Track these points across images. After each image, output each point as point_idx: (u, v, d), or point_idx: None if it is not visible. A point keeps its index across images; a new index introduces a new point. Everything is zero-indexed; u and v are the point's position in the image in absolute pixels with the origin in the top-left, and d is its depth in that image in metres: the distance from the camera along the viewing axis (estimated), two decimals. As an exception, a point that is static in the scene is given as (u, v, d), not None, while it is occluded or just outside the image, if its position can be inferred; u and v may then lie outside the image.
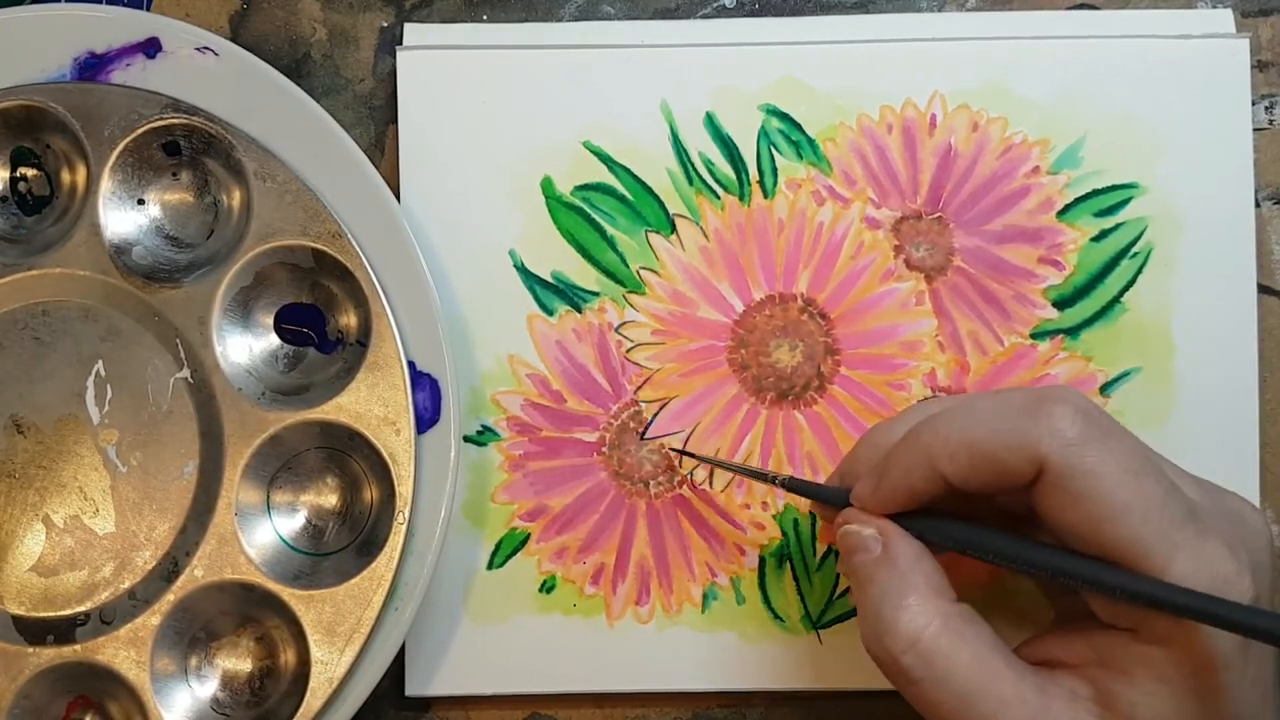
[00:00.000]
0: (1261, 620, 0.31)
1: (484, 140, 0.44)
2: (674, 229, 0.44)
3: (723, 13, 0.45)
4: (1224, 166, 0.43)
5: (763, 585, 0.43)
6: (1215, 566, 0.32)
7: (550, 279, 0.43)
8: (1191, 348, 0.43)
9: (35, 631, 0.40)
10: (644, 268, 0.44)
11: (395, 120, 0.44)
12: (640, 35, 0.44)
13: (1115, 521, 0.32)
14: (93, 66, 0.41)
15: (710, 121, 0.44)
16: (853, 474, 0.38)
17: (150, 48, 0.42)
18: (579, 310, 0.43)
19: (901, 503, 0.36)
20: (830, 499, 0.38)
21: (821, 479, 0.43)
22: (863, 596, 0.36)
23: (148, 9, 0.45)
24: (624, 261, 0.44)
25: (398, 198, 0.43)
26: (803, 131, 0.44)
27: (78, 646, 0.40)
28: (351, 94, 0.45)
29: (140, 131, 0.41)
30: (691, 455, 0.43)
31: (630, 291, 0.44)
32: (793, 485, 0.40)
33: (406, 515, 0.40)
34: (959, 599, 0.35)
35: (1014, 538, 0.35)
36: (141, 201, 0.42)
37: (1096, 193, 0.43)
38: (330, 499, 0.42)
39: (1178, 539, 0.32)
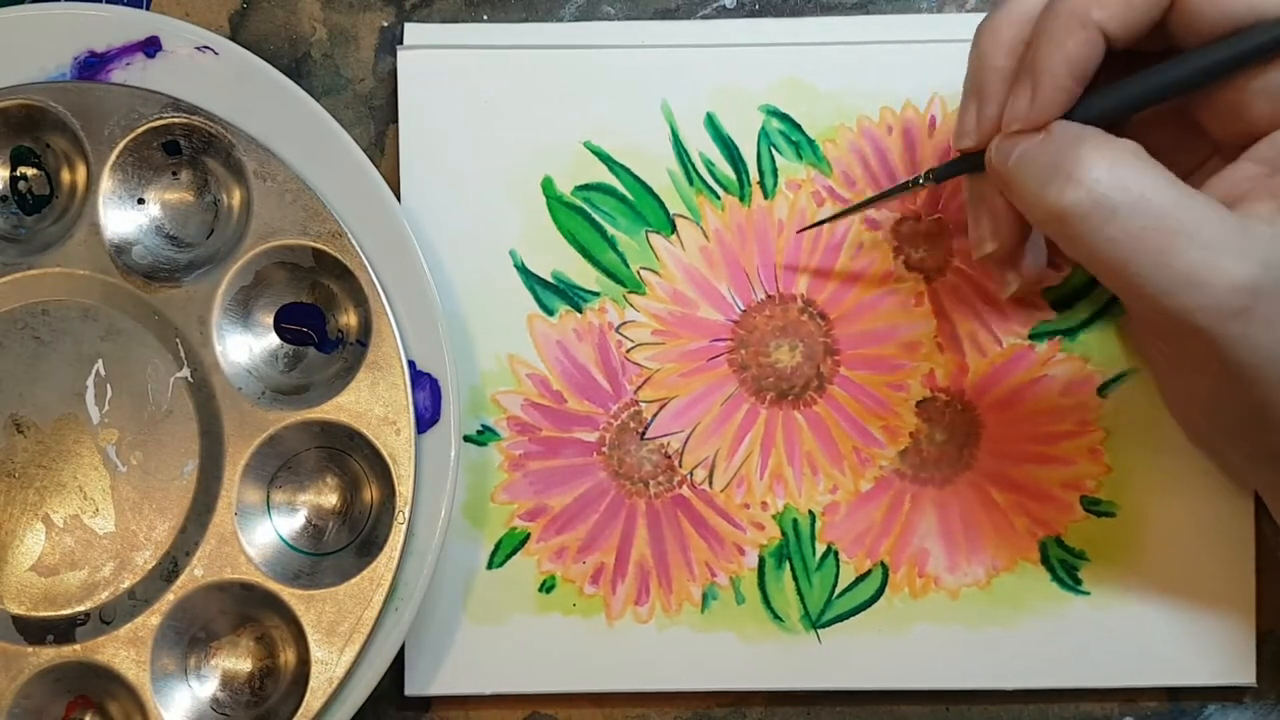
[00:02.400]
0: None
1: (484, 140, 0.44)
2: (674, 229, 0.44)
3: (723, 13, 0.45)
4: (1222, 168, 0.44)
5: (762, 585, 0.43)
6: None
7: (550, 279, 0.43)
8: (1189, 349, 0.43)
9: (35, 631, 0.40)
10: (644, 268, 0.44)
11: (395, 120, 0.44)
12: (641, 35, 0.44)
13: None
14: (93, 66, 0.41)
15: (711, 122, 0.44)
16: (989, 92, 0.36)
17: (150, 47, 0.41)
18: (579, 310, 0.43)
19: (1067, 89, 0.34)
20: (980, 164, 0.37)
21: (821, 479, 0.43)
22: (1034, 166, 0.34)
23: (148, 8, 0.45)
24: (624, 261, 0.44)
25: (398, 197, 0.43)
26: (803, 132, 0.44)
27: (77, 646, 0.40)
28: (352, 93, 0.45)
29: (140, 131, 0.41)
30: (822, 221, 0.43)
31: (630, 291, 0.44)
32: (940, 174, 0.39)
33: (406, 515, 0.40)
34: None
35: (1172, 61, 0.35)
36: (141, 201, 0.42)
37: (1095, 194, 0.44)
38: (330, 499, 0.42)
39: None
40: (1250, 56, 0.34)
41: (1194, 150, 0.38)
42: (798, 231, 0.43)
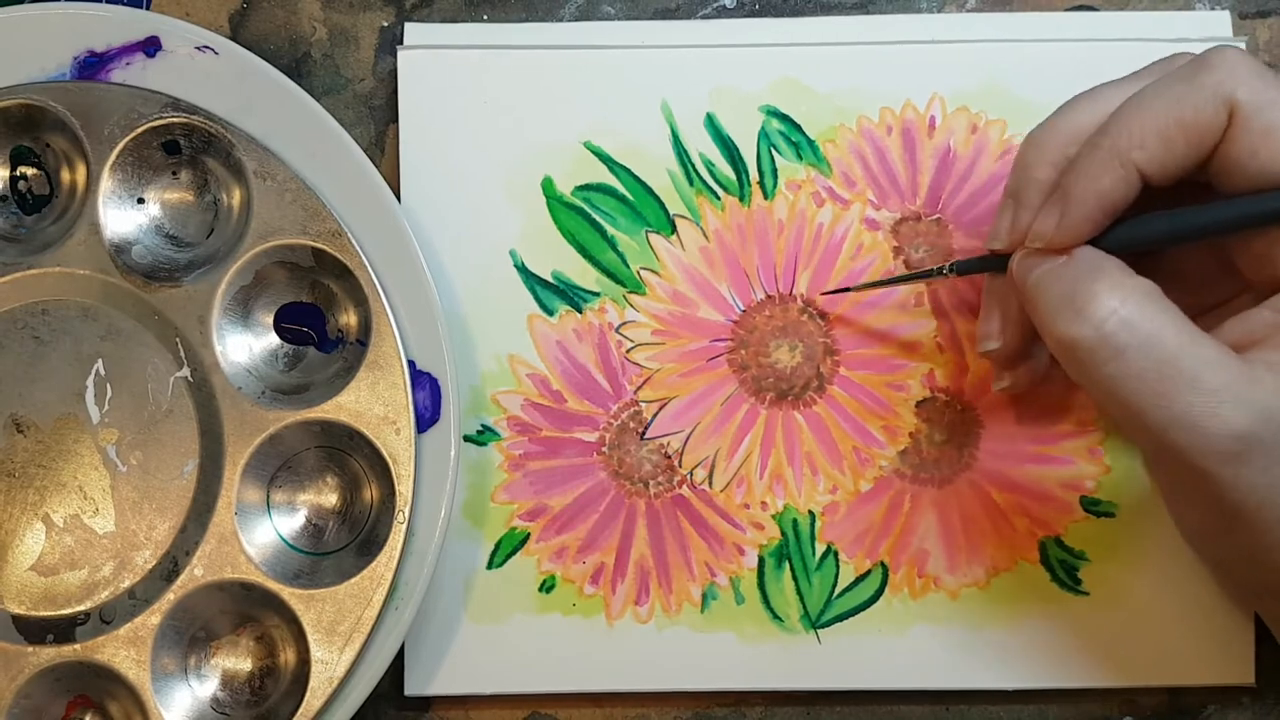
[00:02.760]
0: None
1: (484, 140, 0.44)
2: (674, 229, 0.44)
3: (723, 13, 0.45)
4: (1222, 168, 0.44)
5: (762, 585, 0.43)
6: None
7: (550, 279, 0.43)
8: (1189, 349, 0.43)
9: (35, 631, 0.40)
10: (644, 268, 0.44)
11: (395, 120, 0.44)
12: (640, 36, 0.44)
13: None
14: (92, 65, 0.41)
15: (710, 122, 0.44)
16: (1025, 202, 0.37)
17: (150, 47, 0.41)
18: (579, 310, 0.43)
19: (1095, 220, 0.35)
20: (1003, 265, 0.38)
21: (821, 479, 0.43)
22: (1050, 291, 0.35)
23: (147, 8, 0.45)
24: (624, 262, 0.44)
25: (398, 197, 0.43)
26: (803, 133, 0.44)
27: (77, 646, 0.40)
28: (352, 93, 0.45)
29: (140, 130, 0.41)
30: (850, 289, 0.43)
31: (630, 292, 0.44)
32: (962, 267, 0.40)
33: (406, 515, 0.40)
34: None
35: (1204, 206, 0.35)
36: (141, 200, 0.42)
37: (1095, 194, 0.44)
38: (330, 498, 0.42)
39: None
40: None
41: (1227, 284, 0.38)
42: (822, 294, 0.43)
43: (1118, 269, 0.35)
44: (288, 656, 0.41)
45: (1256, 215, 0.35)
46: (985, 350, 0.40)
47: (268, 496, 0.42)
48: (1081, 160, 0.35)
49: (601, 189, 0.44)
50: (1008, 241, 0.38)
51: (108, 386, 0.41)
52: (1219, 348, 0.34)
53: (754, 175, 0.44)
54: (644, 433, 0.43)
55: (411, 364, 0.41)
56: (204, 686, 0.41)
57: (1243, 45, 0.44)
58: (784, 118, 0.44)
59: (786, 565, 0.43)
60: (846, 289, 0.43)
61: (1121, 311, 0.34)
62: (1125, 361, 0.33)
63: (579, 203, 0.44)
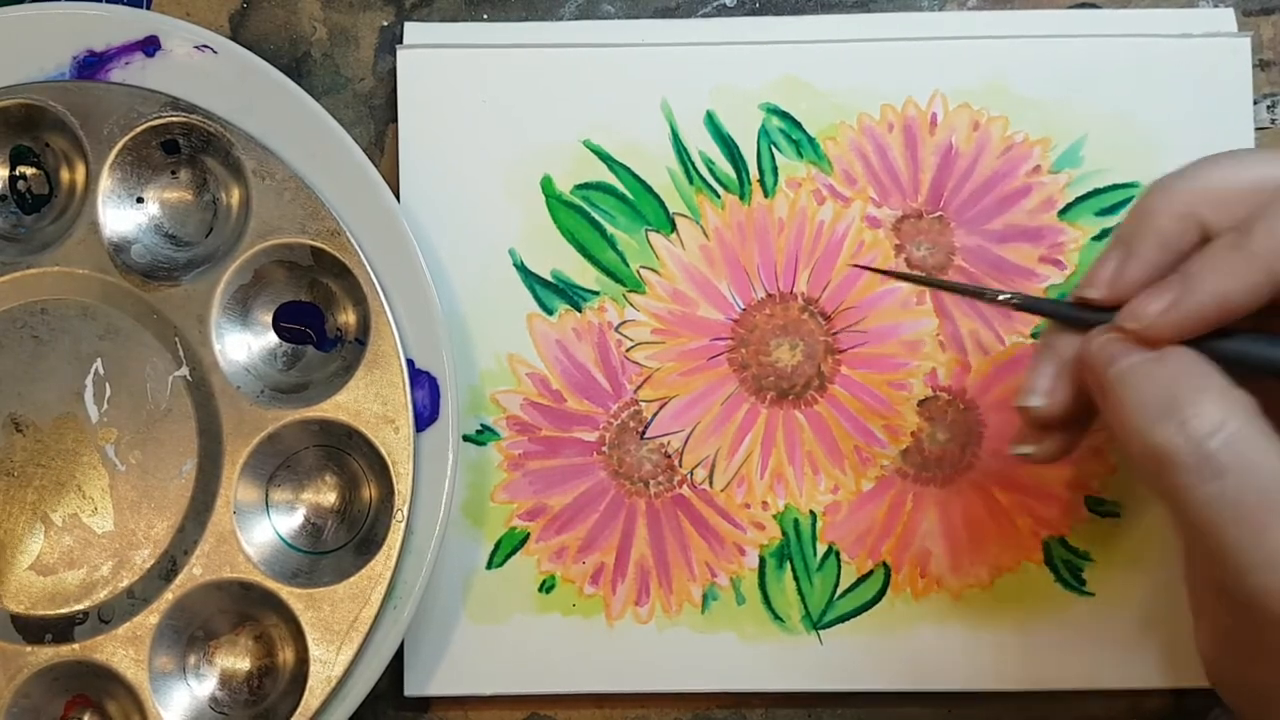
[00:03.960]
0: None
1: (484, 139, 0.43)
2: (674, 228, 0.44)
3: (723, 11, 0.45)
4: (1226, 166, 0.43)
5: (763, 585, 0.43)
6: None
7: (550, 278, 0.43)
8: (1193, 347, 0.43)
9: (33, 630, 0.40)
10: (644, 267, 0.43)
11: (395, 119, 0.44)
12: (640, 34, 0.44)
13: None
14: (92, 65, 0.41)
15: (710, 120, 0.44)
16: (1138, 252, 0.33)
17: (149, 46, 0.42)
18: (579, 309, 0.43)
19: (1209, 323, 0.31)
20: (1084, 320, 0.34)
21: (822, 479, 0.43)
22: (1142, 389, 0.31)
23: (147, 7, 0.45)
24: (624, 260, 0.43)
25: (398, 197, 0.43)
26: (803, 130, 0.44)
27: (76, 645, 0.40)
28: (351, 93, 0.45)
29: (139, 130, 0.41)
30: (881, 271, 0.41)
31: (630, 290, 0.43)
32: (1026, 304, 0.36)
33: (405, 514, 0.40)
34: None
35: None
36: (140, 200, 0.42)
37: (1097, 192, 0.43)
38: (329, 497, 0.42)
39: None
40: None
41: None
42: (853, 265, 0.42)
43: (1220, 381, 0.31)
44: (286, 656, 0.41)
45: None
46: (1026, 406, 0.35)
47: (266, 495, 0.42)
48: (1217, 252, 0.31)
49: (601, 188, 0.44)
50: (1108, 293, 0.33)
51: (106, 386, 0.41)
52: None
53: (754, 173, 0.44)
54: (644, 432, 0.43)
55: (410, 363, 0.41)
56: (202, 686, 0.41)
57: (1247, 40, 0.43)
58: (784, 115, 0.44)
59: (788, 565, 0.43)
60: (891, 273, 0.41)
61: (1228, 428, 0.30)
62: (1225, 484, 0.30)
63: (579, 201, 0.44)
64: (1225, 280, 0.31)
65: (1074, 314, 0.35)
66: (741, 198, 0.44)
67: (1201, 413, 0.30)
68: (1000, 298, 0.37)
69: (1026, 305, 0.36)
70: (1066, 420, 0.35)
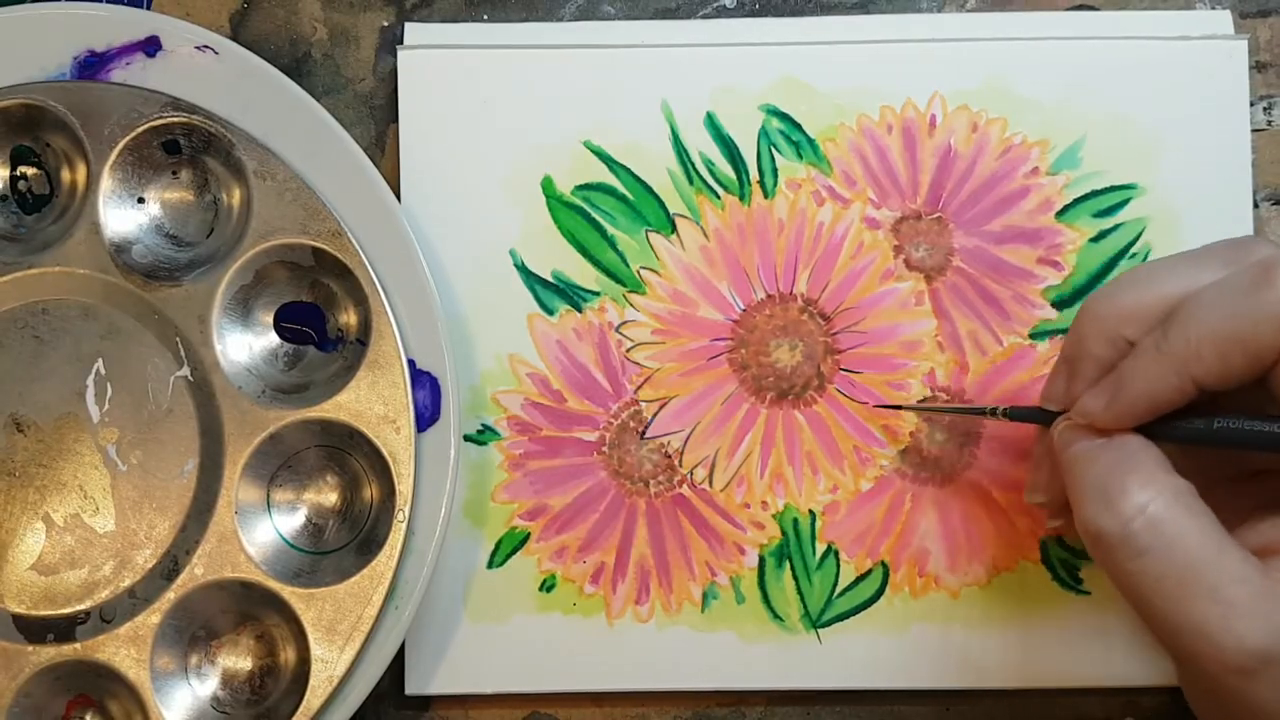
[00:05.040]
0: None
1: (484, 140, 0.44)
2: (674, 229, 0.44)
3: (723, 13, 0.45)
4: (1222, 167, 0.43)
5: (762, 584, 0.43)
6: None
7: (550, 278, 0.43)
8: (1190, 348, 0.43)
9: (35, 630, 0.40)
10: (644, 267, 0.44)
11: (396, 119, 0.44)
12: (640, 35, 0.44)
13: None
14: (92, 65, 0.41)
15: (710, 121, 0.44)
16: (1080, 373, 0.37)
17: (150, 46, 0.42)
18: (579, 310, 0.43)
19: (1138, 418, 0.35)
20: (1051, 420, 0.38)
21: (821, 478, 0.43)
22: (1084, 475, 0.35)
23: (148, 8, 0.45)
24: (624, 261, 0.44)
25: (398, 197, 0.43)
26: (803, 131, 0.44)
27: (78, 645, 0.40)
28: (352, 93, 0.45)
29: (140, 130, 0.41)
30: (899, 407, 0.43)
31: (630, 291, 0.44)
32: (1015, 414, 0.40)
33: (406, 514, 0.40)
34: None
35: (1260, 417, 0.35)
36: (141, 200, 0.42)
37: (1095, 193, 0.44)
38: (330, 497, 0.42)
39: None
40: None
41: None
42: (874, 406, 0.43)
43: (1154, 463, 0.34)
44: (288, 655, 0.41)
45: None
46: (1033, 501, 0.40)
47: (268, 495, 0.42)
48: (1139, 359, 0.35)
49: (601, 188, 0.44)
50: (1062, 405, 0.38)
51: (108, 386, 0.41)
52: (1244, 559, 0.33)
53: (754, 174, 0.44)
54: (644, 432, 0.43)
55: (411, 363, 0.41)
56: (204, 685, 0.41)
57: (1244, 42, 0.43)
58: (784, 116, 0.44)
59: (787, 564, 0.43)
60: (898, 407, 0.43)
61: (1149, 510, 0.33)
62: (1146, 562, 0.33)
63: (579, 202, 0.44)
64: (1149, 382, 0.35)
65: (1051, 419, 0.38)
66: (741, 199, 0.44)
67: (1126, 495, 0.34)
68: (995, 413, 0.40)
69: (1015, 415, 0.40)
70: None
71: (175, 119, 0.41)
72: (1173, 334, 0.34)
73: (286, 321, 0.43)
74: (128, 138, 0.41)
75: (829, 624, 0.43)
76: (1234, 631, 0.32)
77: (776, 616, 0.43)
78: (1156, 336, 0.35)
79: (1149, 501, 0.33)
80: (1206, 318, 0.34)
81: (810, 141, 0.44)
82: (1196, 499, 0.34)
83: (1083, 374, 0.37)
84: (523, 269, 0.43)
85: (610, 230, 0.44)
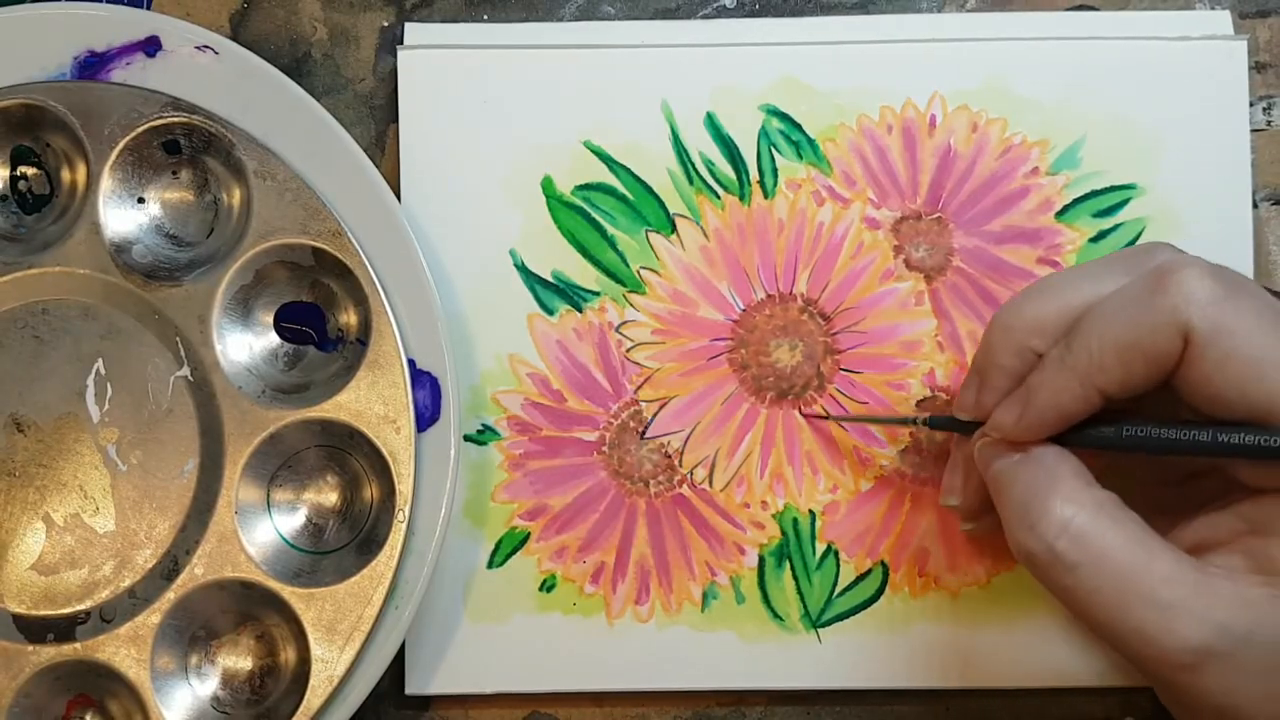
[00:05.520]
0: None
1: (484, 140, 0.44)
2: (674, 229, 0.44)
3: (723, 13, 0.45)
4: (1222, 168, 0.43)
5: (762, 584, 0.43)
6: None
7: (550, 278, 0.43)
8: (1190, 348, 0.43)
9: (35, 630, 0.40)
10: (644, 267, 0.44)
11: (396, 119, 0.44)
12: (641, 35, 0.44)
13: (1262, 377, 0.33)
14: (93, 65, 0.41)
15: (710, 121, 0.44)
16: (989, 385, 0.37)
17: (150, 46, 0.42)
18: (579, 309, 0.43)
19: (1050, 429, 0.36)
20: (972, 430, 0.39)
21: (821, 478, 0.43)
22: (1007, 497, 0.36)
23: (148, 8, 0.45)
24: (624, 261, 0.44)
25: (398, 197, 0.43)
26: (803, 131, 0.44)
27: (78, 645, 0.40)
28: (352, 93, 0.45)
29: (140, 130, 0.41)
30: (828, 416, 0.43)
31: (630, 291, 0.44)
32: (934, 422, 0.40)
33: (406, 513, 0.40)
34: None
35: (1167, 423, 0.35)
36: (141, 200, 0.42)
37: (1095, 193, 0.44)
38: (330, 497, 0.42)
39: None
40: (1250, 454, 0.34)
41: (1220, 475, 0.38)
42: (802, 413, 0.43)
43: (1073, 476, 0.35)
44: (288, 655, 0.41)
45: (1208, 446, 0.35)
46: (946, 504, 0.41)
47: (268, 495, 0.42)
48: (1045, 373, 0.35)
49: (601, 188, 0.44)
50: (972, 415, 0.38)
51: (108, 386, 0.41)
52: (1175, 559, 0.34)
53: (754, 174, 0.44)
54: (644, 432, 0.43)
55: (411, 363, 0.41)
56: (204, 685, 0.41)
57: (1244, 42, 0.43)
58: (784, 117, 0.44)
59: (787, 564, 0.43)
60: (828, 416, 0.43)
61: (1073, 527, 0.34)
62: (1078, 577, 0.34)
63: (579, 202, 0.44)
64: (1055, 394, 0.35)
65: (967, 428, 0.39)
66: (741, 199, 0.44)
67: (1048, 516, 0.34)
68: (919, 421, 0.41)
69: (936, 424, 0.40)
70: (985, 508, 0.39)
71: (175, 119, 0.41)
72: (1076, 345, 0.35)
73: (286, 321, 0.43)
74: (128, 138, 0.41)
75: (829, 624, 0.43)
76: (1173, 631, 0.33)
77: (776, 616, 0.43)
78: (1061, 348, 0.35)
79: (1071, 517, 0.34)
80: (1106, 327, 0.34)
81: (810, 141, 0.44)
82: (1119, 508, 0.35)
83: (991, 385, 0.37)
84: (523, 269, 0.44)
85: (610, 230, 0.44)
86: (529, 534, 0.43)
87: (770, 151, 0.44)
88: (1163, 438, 0.35)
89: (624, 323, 0.43)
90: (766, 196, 0.44)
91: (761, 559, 0.43)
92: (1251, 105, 0.44)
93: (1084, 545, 0.34)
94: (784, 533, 0.43)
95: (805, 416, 0.43)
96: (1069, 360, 0.35)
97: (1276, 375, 0.33)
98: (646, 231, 0.44)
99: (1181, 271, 0.34)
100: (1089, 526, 0.34)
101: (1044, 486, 0.35)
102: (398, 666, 0.42)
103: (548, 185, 0.44)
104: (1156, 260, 0.35)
